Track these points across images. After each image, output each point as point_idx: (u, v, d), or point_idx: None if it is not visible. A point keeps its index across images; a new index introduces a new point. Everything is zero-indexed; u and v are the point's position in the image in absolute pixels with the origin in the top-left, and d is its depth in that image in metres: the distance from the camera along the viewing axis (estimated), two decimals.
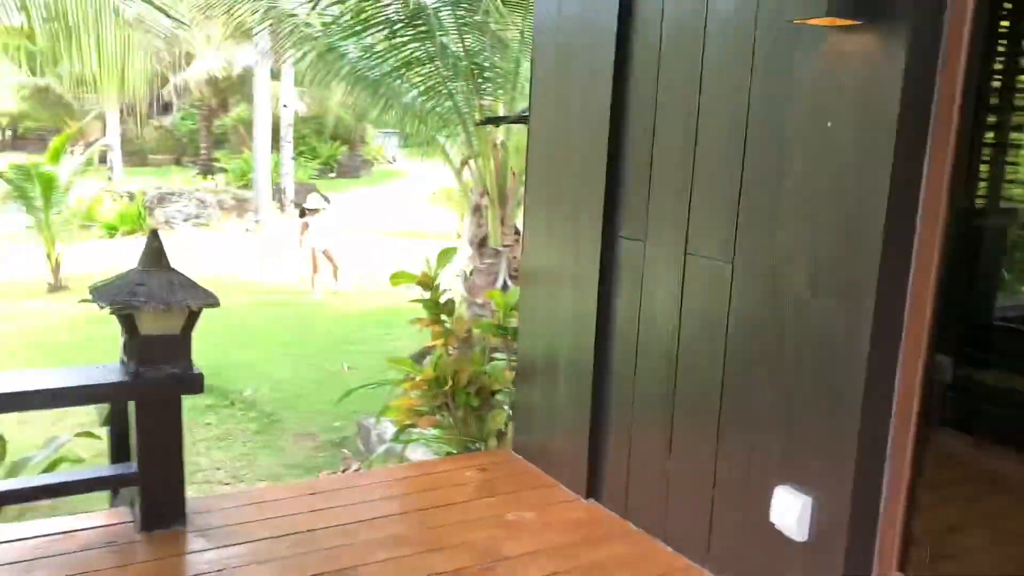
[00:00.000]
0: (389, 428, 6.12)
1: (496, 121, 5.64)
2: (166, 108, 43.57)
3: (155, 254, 3.23)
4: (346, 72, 8.92)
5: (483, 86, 8.33)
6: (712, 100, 2.97)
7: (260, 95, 18.06)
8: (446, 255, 4.87)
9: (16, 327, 9.98)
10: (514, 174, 9.38)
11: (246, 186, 19.72)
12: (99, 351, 8.33)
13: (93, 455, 4.98)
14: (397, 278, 4.79)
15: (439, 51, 8.08)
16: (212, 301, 3.20)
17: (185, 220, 17.03)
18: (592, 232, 3.61)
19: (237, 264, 13.76)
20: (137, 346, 3.13)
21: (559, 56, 3.86)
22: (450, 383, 4.45)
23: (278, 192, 20.39)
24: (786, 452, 2.71)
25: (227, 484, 5.75)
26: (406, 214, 22.79)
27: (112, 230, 16.44)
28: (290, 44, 8.79)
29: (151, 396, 3.17)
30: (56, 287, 11.83)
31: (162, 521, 3.21)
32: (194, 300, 3.15)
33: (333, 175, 33.70)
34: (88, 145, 31.83)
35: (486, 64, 8.14)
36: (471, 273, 9.57)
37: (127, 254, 14.78)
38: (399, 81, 8.77)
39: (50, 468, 4.24)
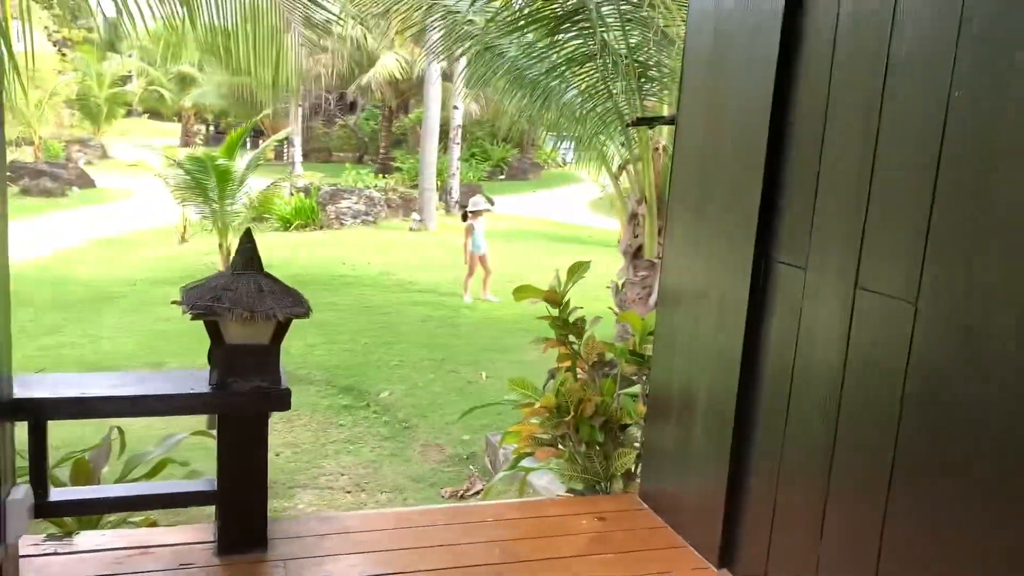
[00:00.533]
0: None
1: (648, 122, 5.12)
2: (352, 107, 45.77)
3: (248, 256, 2.98)
4: (504, 71, 8.65)
5: (645, 85, 7.79)
6: (899, 101, 2.34)
7: (431, 96, 18.29)
8: (578, 269, 4.40)
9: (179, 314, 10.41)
10: None
11: (416, 186, 20.08)
12: None
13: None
14: (521, 293, 4.38)
15: (600, 48, 7.62)
16: (300, 311, 2.91)
17: (354, 217, 17.49)
18: (742, 253, 3.04)
19: (396, 262, 13.88)
20: (222, 355, 2.88)
21: (714, 52, 3.31)
22: (573, 413, 3.98)
23: (444, 193, 20.62)
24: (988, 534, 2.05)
25: (348, 492, 5.57)
26: (570, 219, 22.46)
27: (286, 223, 17.14)
28: (450, 42, 8.62)
29: (234, 410, 2.91)
30: None
31: (241, 545, 2.95)
32: (282, 309, 2.87)
33: (502, 177, 34.01)
34: (281, 142, 33.90)
35: (650, 62, 7.60)
36: (623, 286, 9.04)
37: (298, 246, 15.33)
38: (557, 80, 8.38)
39: (155, 471, 4.15)
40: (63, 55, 41.25)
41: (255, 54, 6.00)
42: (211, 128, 50.27)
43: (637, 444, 4.19)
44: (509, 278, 12.78)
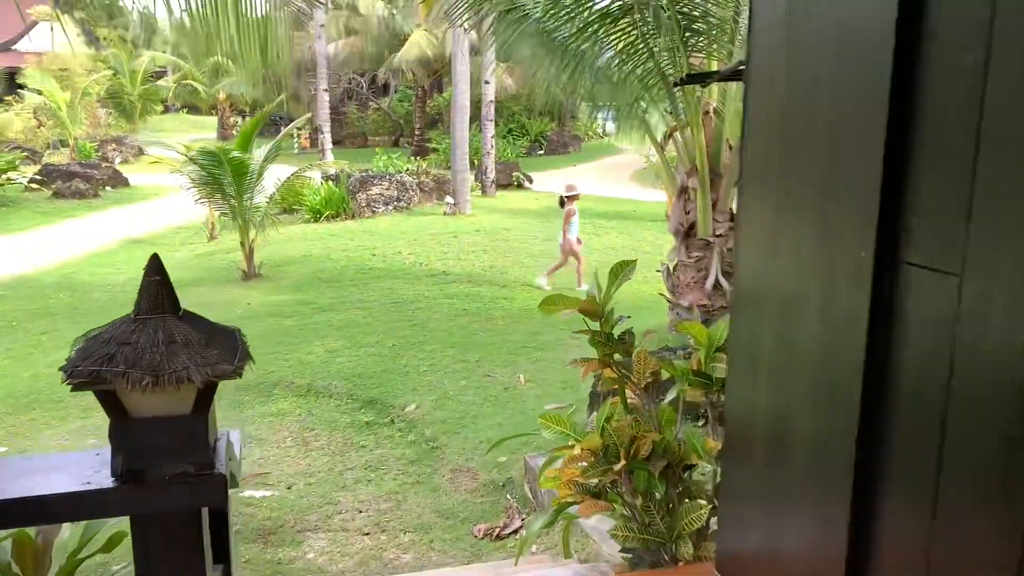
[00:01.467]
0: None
1: (700, 79, 4.17)
2: (384, 89, 45.01)
3: (154, 295, 2.14)
4: (531, 32, 7.71)
5: (691, 40, 6.79)
6: None
7: (460, 72, 17.34)
8: (621, 271, 3.49)
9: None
10: (730, 147, 7.75)
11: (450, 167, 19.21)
12: (283, 356, 7.80)
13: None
14: (550, 304, 3.49)
15: (638, 1, 6.64)
16: (225, 369, 2.06)
17: (386, 204, 16.69)
18: (854, 253, 2.08)
19: (429, 251, 13.07)
20: (126, 435, 2.06)
21: None
22: (625, 459, 3.09)
23: (480, 173, 19.71)
24: None
25: (366, 535, 4.78)
26: (614, 193, 21.41)
27: (316, 214, 16.43)
28: (470, 3, 7.68)
29: (147, 509, 2.09)
30: (250, 275, 11.65)
31: None
32: (200, 368, 2.02)
33: (541, 152, 32.96)
34: (306, 129, 33.28)
35: (695, 13, 6.59)
36: (674, 269, 8.09)
37: (327, 237, 14.60)
38: (590, 42, 7.41)
39: (113, 544, 3.37)
40: (97, 54, 41.22)
41: (239, 31, 5.17)
42: (247, 119, 50.09)
43: (709, 490, 3.29)
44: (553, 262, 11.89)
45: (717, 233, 7.72)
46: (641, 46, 7.09)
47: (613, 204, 18.55)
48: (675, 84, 4.38)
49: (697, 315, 7.56)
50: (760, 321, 2.63)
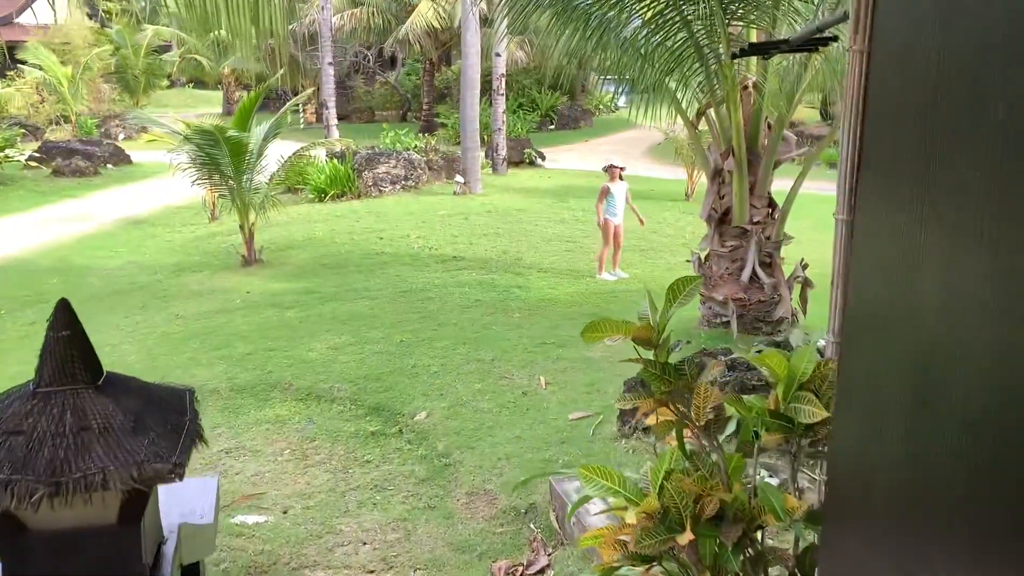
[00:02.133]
0: (596, 503, 4.29)
1: (763, 50, 3.49)
2: (392, 63, 44.11)
3: (61, 356, 1.52)
4: (550, 2, 7.03)
5: (731, 7, 6.10)
6: None
7: (470, 44, 16.58)
8: (680, 289, 2.86)
9: (195, 310, 9.16)
10: (769, 126, 7.08)
11: (459, 143, 18.49)
12: (287, 351, 7.21)
13: None
14: (593, 331, 2.87)
15: None
16: (159, 469, 1.44)
17: (393, 183, 16.02)
18: None
19: (439, 233, 12.43)
20: (20, 557, 1.45)
21: None
22: (689, 523, 2.49)
23: (490, 150, 18.99)
24: None
25: (370, 573, 4.20)
26: (631, 170, 20.66)
27: (321, 193, 15.80)
28: None
29: None
30: (250, 260, 11.05)
31: None
32: (124, 467, 1.41)
33: (552, 127, 32.17)
34: (320, 104, 32.51)
35: None
36: (707, 258, 7.45)
37: (332, 218, 13.98)
38: (615, 9, 6.73)
39: None
40: (101, 28, 40.41)
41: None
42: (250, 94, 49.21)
43: (789, 558, 2.69)
44: (575, 247, 11.23)
45: (754, 220, 7.07)
46: (673, 14, 6.41)
47: (630, 182, 17.80)
48: (734, 55, 3.72)
49: (732, 310, 6.93)
50: (889, 349, 1.99)
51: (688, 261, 7.77)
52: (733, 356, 5.21)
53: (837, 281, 3.16)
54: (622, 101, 39.14)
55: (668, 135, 14.72)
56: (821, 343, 4.22)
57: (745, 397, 2.86)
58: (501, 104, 18.77)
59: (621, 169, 10.05)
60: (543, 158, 21.27)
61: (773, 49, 3.44)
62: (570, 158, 23.25)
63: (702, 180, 15.19)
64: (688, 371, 2.86)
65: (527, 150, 21.13)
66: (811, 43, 3.23)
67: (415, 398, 6.24)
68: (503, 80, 18.78)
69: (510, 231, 12.38)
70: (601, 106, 37.25)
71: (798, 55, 6.35)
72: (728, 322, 7.04)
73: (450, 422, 5.78)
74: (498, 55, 18.67)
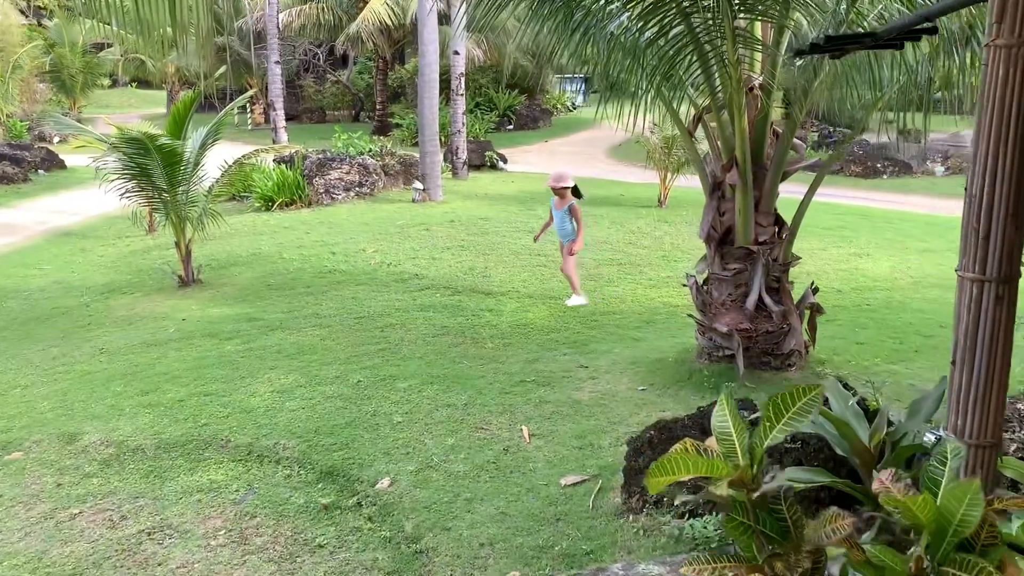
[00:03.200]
0: None
1: (842, 45, 2.60)
2: (343, 61, 42.79)
3: None
4: None
5: None
6: None
7: (427, 41, 15.56)
8: (790, 403, 1.98)
9: (122, 342, 8.08)
10: (776, 134, 6.25)
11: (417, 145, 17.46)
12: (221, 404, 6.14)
13: None
14: (660, 476, 1.96)
15: None
16: None
17: (347, 190, 14.96)
18: None
19: (397, 247, 11.44)
20: None
21: None
22: None
23: (450, 153, 18.02)
24: None
25: None
26: (594, 172, 19.87)
27: (268, 202, 14.68)
28: None
29: None
30: (188, 281, 9.95)
31: None
32: None
33: (511, 127, 31.28)
34: (267, 106, 31.13)
35: None
36: (705, 282, 6.60)
37: (279, 230, 12.89)
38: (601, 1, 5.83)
39: None
40: (38, 25, 38.40)
41: None
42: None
43: None
44: (547, 261, 10.30)
45: (760, 240, 6.23)
46: (670, 6, 5.53)
47: (598, 187, 16.97)
48: (798, 52, 2.82)
49: (738, 343, 6.09)
50: None
51: (684, 285, 6.92)
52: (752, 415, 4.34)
53: (962, 356, 2.32)
54: (580, 100, 38.44)
55: (640, 137, 13.87)
56: (930, 437, 3.38)
57: (868, 547, 1.96)
58: (461, 105, 17.81)
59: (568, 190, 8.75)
60: (505, 161, 20.38)
61: (852, 44, 2.56)
62: (531, 160, 22.39)
63: (675, 185, 14.43)
64: (790, 517, 1.97)
65: (488, 153, 20.21)
66: (905, 36, 2.35)
67: (376, 458, 5.27)
68: (462, 79, 17.82)
69: (475, 243, 11.44)
70: (559, 105, 36.46)
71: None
72: (732, 355, 6.20)
73: (419, 492, 4.83)
74: (457, 53, 17.72)
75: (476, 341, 7.53)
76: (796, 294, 6.57)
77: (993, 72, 2.09)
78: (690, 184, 14.85)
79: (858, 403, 4.41)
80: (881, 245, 11.33)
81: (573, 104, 37.63)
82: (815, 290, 6.52)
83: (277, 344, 7.60)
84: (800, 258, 6.63)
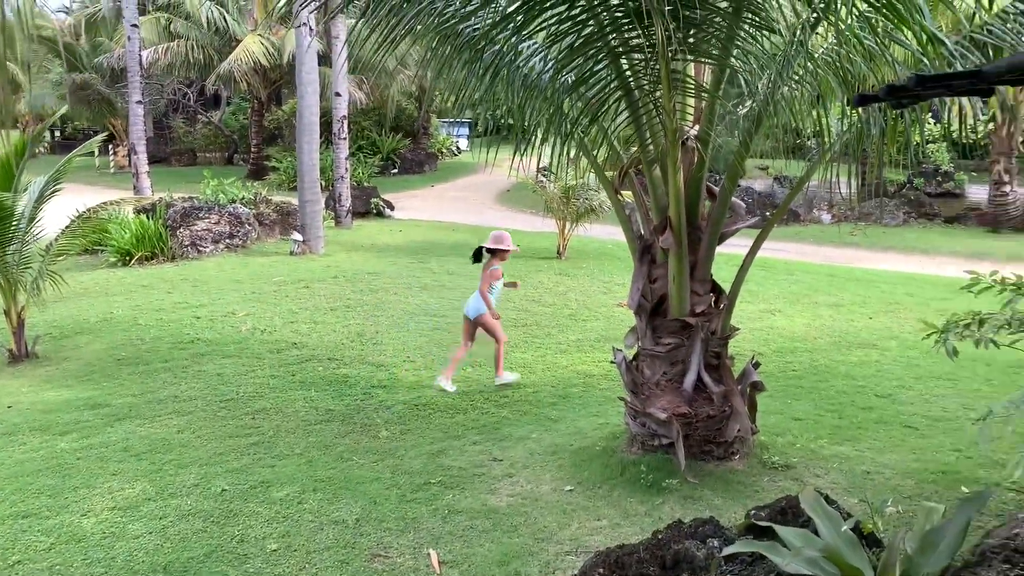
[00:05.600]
0: None
1: (898, 96, 1.77)
2: (215, 101, 40.80)
3: None
4: (425, 27, 5.19)
5: (690, 34, 4.50)
6: None
7: (307, 82, 14.45)
8: None
9: None
10: (712, 196, 5.52)
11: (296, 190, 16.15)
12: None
13: None
14: None
15: None
16: None
17: (215, 242, 13.54)
18: None
19: (273, 309, 10.19)
20: None
21: None
22: None
23: (332, 201, 16.83)
24: None
25: None
26: (483, 219, 19.08)
27: (126, 256, 13.09)
28: None
29: None
30: (20, 356, 8.41)
31: None
32: None
33: (395, 171, 30.26)
34: (103, 145, 28.98)
35: None
36: (636, 358, 5.76)
37: (135, 290, 11.37)
38: (516, 35, 4.98)
39: None
40: None
41: None
42: (58, 134, 44.26)
43: None
44: (446, 323, 9.23)
45: (697, 311, 5.45)
46: (597, 42, 4.73)
47: (485, 235, 16.15)
48: (858, 102, 2.02)
49: (677, 431, 5.26)
50: None
51: (612, 362, 6.05)
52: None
53: None
54: (463, 144, 37.87)
55: (534, 184, 13.17)
56: None
57: None
58: (343, 149, 16.71)
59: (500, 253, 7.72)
60: (392, 208, 19.33)
61: (936, 88, 1.74)
62: (419, 206, 21.44)
63: (576, 235, 13.77)
64: None
65: (374, 199, 19.11)
66: (1011, 80, 1.54)
67: None
68: (345, 122, 16.74)
69: (363, 303, 10.32)
70: (444, 149, 35.74)
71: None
72: (669, 444, 5.36)
73: None
74: (338, 95, 16.66)
75: (368, 429, 6.42)
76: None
77: None
78: (589, 234, 14.27)
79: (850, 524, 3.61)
80: (790, 300, 10.92)
81: (458, 148, 37.02)
82: (756, 364, 5.79)
83: (123, 439, 6.26)
84: (739, 330, 5.91)
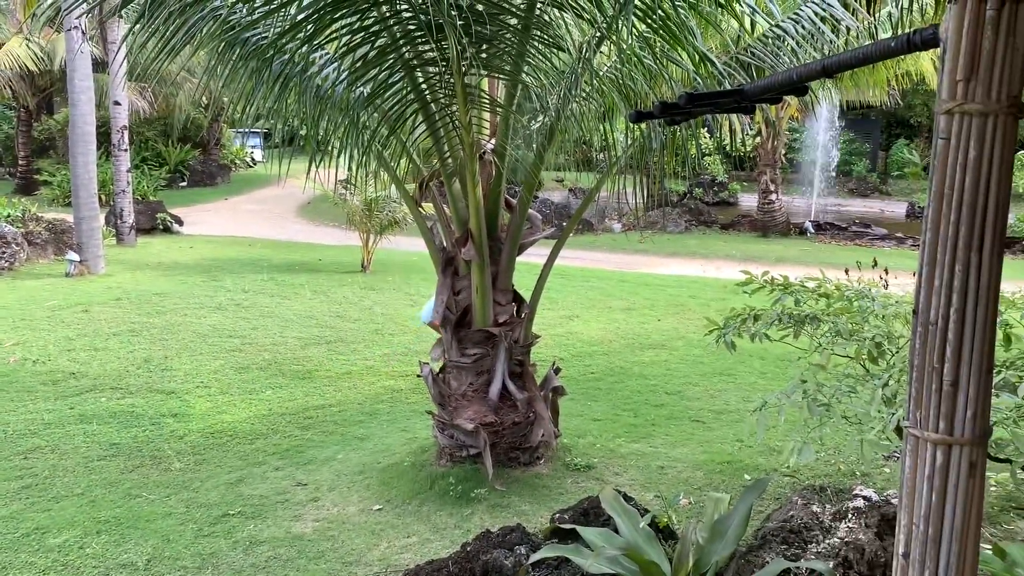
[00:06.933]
0: None
1: (704, 104, 1.89)
2: None
3: None
4: (209, 33, 4.94)
5: (482, 49, 4.56)
6: None
7: (79, 90, 13.33)
8: None
9: None
10: (510, 208, 5.64)
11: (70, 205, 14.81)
12: None
13: None
14: None
15: None
16: None
17: None
18: None
19: (48, 337, 9.29)
20: None
21: None
22: None
23: (113, 216, 15.63)
24: None
25: None
26: (283, 234, 18.47)
27: None
28: None
29: None
30: None
31: None
32: None
33: (184, 184, 28.61)
34: None
35: (479, 6, 4.34)
36: (442, 370, 5.76)
37: None
38: (307, 45, 4.84)
39: None
40: None
41: None
42: None
43: None
44: (244, 344, 8.77)
45: (500, 320, 5.55)
46: (393, 56, 4.70)
47: (293, 251, 15.66)
48: (634, 118, 2.11)
49: (484, 440, 5.31)
50: None
51: (418, 376, 6.01)
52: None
53: (922, 549, 1.68)
54: (259, 155, 36.48)
55: (336, 197, 12.90)
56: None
57: None
58: (124, 161, 15.57)
59: None
60: (180, 223, 18.23)
61: (707, 106, 1.87)
62: (212, 221, 20.38)
63: (379, 247, 13.60)
64: None
65: (160, 214, 17.94)
66: (768, 98, 1.71)
67: None
68: (125, 132, 15.62)
69: (150, 327, 9.63)
70: (238, 160, 34.24)
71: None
72: (477, 454, 5.41)
73: None
74: (117, 103, 15.53)
75: (158, 461, 5.99)
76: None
77: (961, 148, 1.47)
78: (394, 246, 14.16)
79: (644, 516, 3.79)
80: (587, 305, 11.39)
81: (253, 159, 35.62)
82: (557, 370, 5.97)
83: None
84: (540, 337, 6.07)
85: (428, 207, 5.92)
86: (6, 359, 8.33)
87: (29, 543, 4.78)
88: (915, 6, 5.93)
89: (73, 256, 12.58)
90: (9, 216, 13.61)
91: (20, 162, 27.70)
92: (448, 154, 5.20)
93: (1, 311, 10.19)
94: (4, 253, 12.57)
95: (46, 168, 25.72)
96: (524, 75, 4.91)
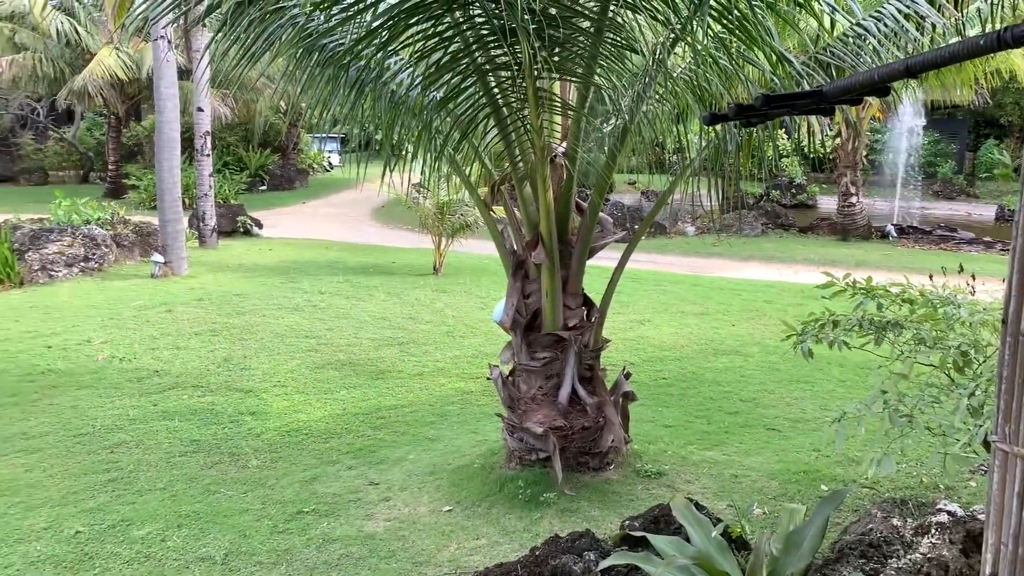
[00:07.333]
0: None
1: (782, 106, 1.84)
2: (69, 116, 38.54)
3: None
4: (288, 40, 5.06)
5: (554, 53, 4.56)
6: None
7: (166, 97, 13.84)
8: None
9: None
10: (581, 211, 5.61)
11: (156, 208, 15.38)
12: None
13: None
14: None
15: None
16: None
17: (69, 266, 12.71)
18: None
19: (134, 335, 9.65)
20: None
21: None
22: None
23: (196, 220, 16.16)
24: None
25: None
26: (359, 237, 18.79)
27: None
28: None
29: None
30: None
31: None
32: None
33: (264, 188, 29.42)
34: None
35: (552, 10, 4.33)
36: (511, 373, 5.78)
37: None
38: (382, 51, 4.91)
39: None
40: None
41: None
42: None
43: None
44: (320, 344, 8.97)
45: (570, 324, 5.52)
46: (465, 59, 4.73)
47: (367, 253, 15.92)
48: (708, 121, 2.07)
49: (554, 444, 5.29)
50: None
51: (488, 378, 6.05)
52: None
53: (1011, 570, 1.61)
54: (335, 160, 37.23)
55: (409, 200, 13.06)
56: None
57: None
58: (207, 166, 16.09)
59: None
60: (260, 226, 18.73)
61: (782, 107, 1.82)
62: (290, 224, 20.87)
63: (451, 250, 13.74)
64: None
65: (241, 217, 18.47)
66: (848, 99, 1.65)
67: None
68: (208, 138, 16.14)
69: (230, 327, 9.92)
70: (315, 165, 35.03)
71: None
72: (546, 458, 5.40)
73: None
74: (201, 110, 16.05)
75: (236, 458, 6.15)
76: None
77: None
78: (465, 249, 14.28)
79: (719, 529, 3.72)
80: (659, 310, 11.25)
81: (330, 164, 36.37)
82: (627, 375, 5.91)
83: None
84: (610, 341, 6.02)
85: (499, 210, 5.94)
86: (95, 356, 8.68)
87: (115, 534, 4.96)
88: (1007, 1, 5.68)
89: (158, 258, 13.06)
90: (99, 219, 14.20)
91: (110, 167, 28.89)
92: (519, 158, 5.20)
93: (91, 311, 10.64)
94: (94, 255, 13.12)
95: (134, 172, 26.75)
96: (596, 78, 4.89)
